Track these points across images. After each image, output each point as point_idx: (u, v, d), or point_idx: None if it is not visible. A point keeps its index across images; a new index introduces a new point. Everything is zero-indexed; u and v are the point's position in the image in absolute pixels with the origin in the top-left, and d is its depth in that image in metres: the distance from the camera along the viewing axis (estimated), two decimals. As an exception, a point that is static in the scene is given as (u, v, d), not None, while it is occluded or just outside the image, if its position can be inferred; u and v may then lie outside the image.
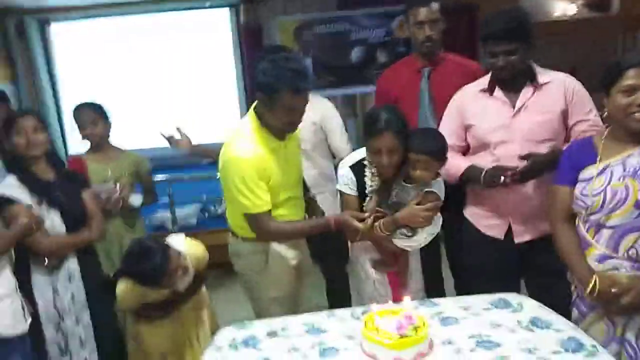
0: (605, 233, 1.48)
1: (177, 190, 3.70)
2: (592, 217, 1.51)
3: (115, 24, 4.48)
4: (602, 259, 1.50)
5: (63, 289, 1.91)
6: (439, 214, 1.82)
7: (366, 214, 1.72)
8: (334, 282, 2.65)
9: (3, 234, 1.74)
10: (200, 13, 4.55)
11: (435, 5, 2.21)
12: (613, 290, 1.45)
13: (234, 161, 1.72)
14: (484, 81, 1.92)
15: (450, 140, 1.88)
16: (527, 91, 1.84)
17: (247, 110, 5.01)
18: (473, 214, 2.02)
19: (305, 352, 1.46)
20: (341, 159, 2.43)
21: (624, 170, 1.45)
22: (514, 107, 1.84)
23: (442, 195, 1.79)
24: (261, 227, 1.78)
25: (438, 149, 1.72)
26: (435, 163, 1.73)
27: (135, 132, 4.35)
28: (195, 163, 4.11)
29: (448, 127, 1.96)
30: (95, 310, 1.98)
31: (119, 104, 4.37)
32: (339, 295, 2.54)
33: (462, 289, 2.30)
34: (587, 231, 1.54)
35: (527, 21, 1.80)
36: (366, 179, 1.81)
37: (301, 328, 1.59)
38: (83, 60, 4.51)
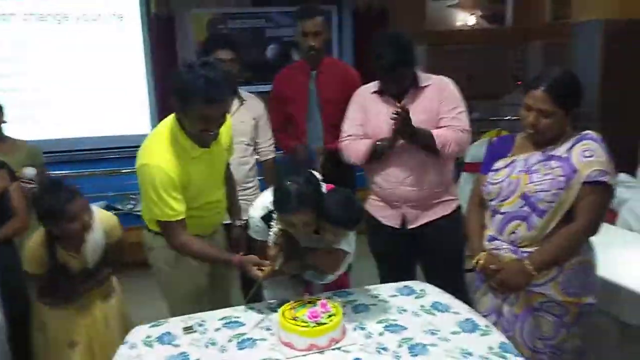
0: (497, 218, 1.69)
1: (81, 186, 3.49)
2: (491, 203, 1.71)
3: (17, 8, 4.13)
4: (491, 239, 1.71)
5: None
6: (350, 260, 1.81)
7: (267, 263, 1.64)
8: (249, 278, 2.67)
9: None
10: (111, 1, 4.34)
11: (319, 19, 2.47)
12: (492, 266, 1.65)
13: (148, 168, 1.68)
14: (377, 85, 2.11)
15: (352, 130, 2.14)
16: (410, 94, 2.05)
17: (156, 101, 4.86)
18: (372, 206, 2.19)
19: (223, 345, 1.49)
20: (264, 161, 2.56)
21: (524, 166, 1.65)
22: None
23: (352, 249, 1.76)
24: (170, 235, 1.75)
25: (353, 223, 1.64)
26: (346, 231, 1.67)
27: (41, 124, 4.08)
28: (101, 158, 3.93)
29: (351, 119, 2.17)
30: (9, 302, 1.88)
31: (20, 94, 4.08)
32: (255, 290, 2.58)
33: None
34: (488, 215, 1.74)
35: (412, 48, 1.99)
36: (272, 230, 1.70)
37: (218, 322, 1.62)
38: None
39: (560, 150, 1.59)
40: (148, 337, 1.54)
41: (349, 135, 2.16)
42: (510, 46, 5.23)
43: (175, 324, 1.61)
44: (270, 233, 1.70)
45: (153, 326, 1.60)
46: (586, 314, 1.65)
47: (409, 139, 1.98)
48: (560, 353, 1.65)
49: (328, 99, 2.50)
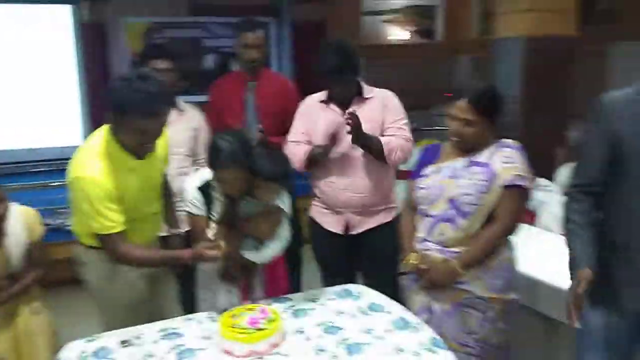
0: (426, 221, 1.80)
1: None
2: (421, 207, 1.82)
3: None
4: (421, 241, 1.82)
5: None
6: (287, 227, 1.91)
7: (216, 241, 1.70)
8: (187, 288, 2.63)
9: None
10: (41, 7, 4.16)
11: (260, 32, 2.57)
12: (422, 266, 1.76)
13: (82, 181, 1.64)
14: (324, 94, 2.20)
15: (295, 137, 2.22)
16: (355, 103, 2.15)
17: (88, 112, 4.68)
18: (315, 212, 2.28)
19: (162, 357, 1.49)
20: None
21: (450, 172, 1.77)
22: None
23: (286, 208, 1.88)
24: (110, 248, 1.72)
25: (276, 173, 1.78)
26: (276, 186, 1.80)
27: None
28: (28, 171, 3.74)
29: (295, 126, 2.25)
30: None
31: None
32: (193, 302, 2.56)
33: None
34: (418, 218, 1.85)
35: (356, 56, 2.10)
36: (215, 203, 1.81)
37: (156, 335, 1.61)
38: None
39: (483, 157, 1.72)
40: (83, 352, 1.51)
41: (291, 142, 2.22)
42: (440, 60, 5.51)
43: (111, 338, 1.58)
44: (215, 203, 1.79)
45: (88, 341, 1.57)
46: (510, 309, 1.78)
47: (360, 143, 2.06)
48: (487, 347, 1.77)
49: (265, 111, 2.57)
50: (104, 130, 1.73)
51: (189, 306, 2.57)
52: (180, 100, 2.51)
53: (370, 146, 2.09)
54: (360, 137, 2.04)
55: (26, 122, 4.25)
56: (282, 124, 2.40)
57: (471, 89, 1.71)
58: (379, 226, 2.22)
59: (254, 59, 2.54)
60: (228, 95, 2.62)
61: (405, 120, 2.20)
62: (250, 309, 1.60)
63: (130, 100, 1.57)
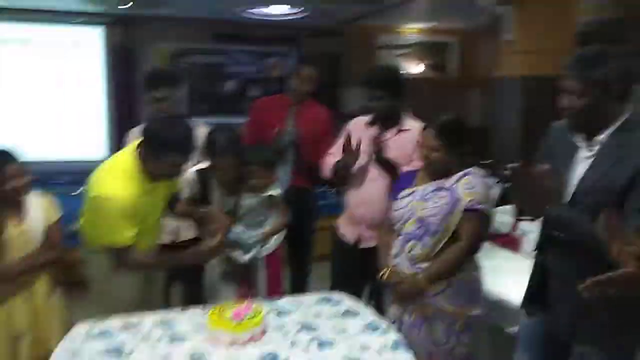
0: (399, 239, 2.03)
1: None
2: (396, 226, 2.06)
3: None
4: (395, 256, 2.05)
5: None
6: (283, 214, 2.27)
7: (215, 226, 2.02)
8: (191, 288, 2.86)
9: None
10: (72, 29, 4.62)
11: (316, 69, 2.92)
12: (392, 280, 1.99)
13: (102, 199, 1.88)
14: (370, 117, 2.50)
15: (334, 150, 2.54)
16: (392, 132, 2.43)
17: (112, 130, 5.06)
18: (340, 220, 2.61)
19: (157, 339, 1.74)
20: None
21: (421, 195, 2.01)
22: None
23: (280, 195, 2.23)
24: (120, 258, 1.97)
25: (265, 159, 2.12)
26: (266, 171, 2.13)
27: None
28: (55, 181, 4.08)
29: (339, 142, 2.53)
30: None
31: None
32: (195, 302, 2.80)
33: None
34: (394, 236, 2.08)
35: (394, 75, 2.45)
36: (213, 192, 2.18)
37: (152, 322, 1.86)
38: None
39: (449, 183, 1.96)
40: (88, 332, 1.77)
41: (329, 153, 2.56)
42: (452, 94, 5.78)
43: (113, 322, 1.85)
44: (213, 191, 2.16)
45: (94, 323, 1.83)
46: (474, 324, 1.98)
47: (381, 163, 2.37)
48: (453, 358, 1.97)
49: (304, 133, 2.86)
50: (127, 152, 1.98)
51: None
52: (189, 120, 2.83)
53: (389, 171, 2.36)
54: (382, 159, 2.34)
55: (56, 136, 4.68)
56: (316, 145, 2.76)
57: (437, 119, 1.97)
58: None
59: (305, 91, 2.89)
60: (271, 113, 2.94)
61: None
62: (236, 305, 1.84)
63: (168, 141, 1.86)
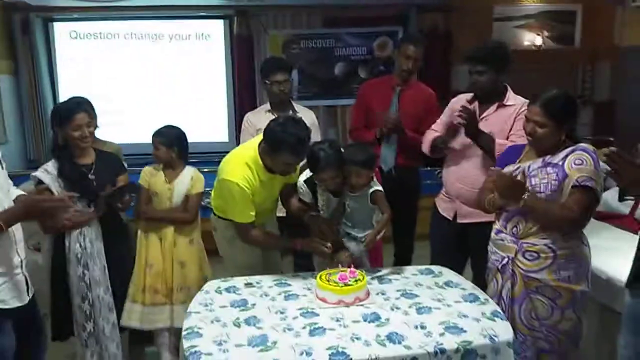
0: (503, 215, 2.09)
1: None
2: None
3: (115, 27, 5.05)
4: (497, 232, 2.11)
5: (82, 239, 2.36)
6: (387, 206, 2.32)
7: (328, 244, 2.23)
8: (301, 259, 3.16)
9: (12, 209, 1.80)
10: (198, 22, 5.15)
11: (420, 47, 2.97)
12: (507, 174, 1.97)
13: (229, 183, 2.21)
14: (471, 96, 2.56)
15: (436, 126, 2.67)
16: (492, 107, 2.49)
17: (235, 113, 5.54)
18: (438, 198, 2.73)
19: (273, 297, 2.03)
20: None
21: (526, 171, 2.04)
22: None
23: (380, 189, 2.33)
24: (241, 233, 2.33)
25: (363, 160, 2.22)
26: (364, 170, 2.23)
27: (127, 129, 4.89)
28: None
29: (441, 119, 2.68)
30: (111, 253, 2.44)
31: (114, 102, 4.93)
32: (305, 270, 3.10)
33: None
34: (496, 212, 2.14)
35: (498, 51, 2.47)
36: (319, 196, 2.38)
37: (271, 282, 2.16)
38: (81, 59, 5.05)
39: (557, 159, 1.97)
40: (218, 287, 2.12)
41: (431, 129, 2.69)
42: (577, 67, 5.43)
43: (238, 281, 2.17)
44: (318, 196, 2.38)
45: (222, 281, 2.18)
46: (579, 300, 1.99)
47: (471, 136, 2.42)
48: (556, 333, 2.00)
49: (407, 113, 2.94)
50: (253, 148, 2.27)
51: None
52: (296, 104, 3.09)
53: (481, 142, 2.41)
54: (472, 131, 2.39)
55: (183, 121, 5.25)
56: (420, 125, 2.88)
57: (544, 94, 1.97)
58: (487, 222, 2.39)
59: (408, 69, 2.99)
60: (377, 95, 3.11)
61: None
62: (342, 271, 2.06)
63: (284, 141, 2.11)
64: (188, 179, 2.61)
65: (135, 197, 2.57)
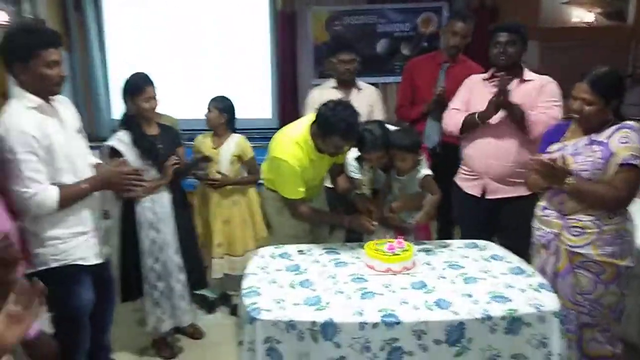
0: (549, 192, 2.14)
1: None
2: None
3: (164, 3, 5.21)
4: (543, 209, 2.17)
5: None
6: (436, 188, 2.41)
7: (374, 222, 2.35)
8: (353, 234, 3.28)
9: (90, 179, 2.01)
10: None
11: (469, 23, 3.05)
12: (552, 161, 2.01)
13: (280, 161, 2.33)
14: (488, 73, 2.67)
15: (455, 105, 2.74)
16: (513, 83, 2.55)
17: (278, 90, 5.62)
18: (459, 178, 2.77)
19: (324, 263, 2.16)
20: None
21: (572, 149, 2.09)
22: None
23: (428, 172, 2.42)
24: (291, 208, 2.46)
25: (407, 144, 2.30)
26: (409, 155, 2.32)
27: (172, 105, 5.04)
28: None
29: (458, 97, 2.76)
30: (176, 218, 2.63)
31: (160, 76, 5.08)
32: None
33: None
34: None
35: (524, 27, 2.55)
36: (367, 172, 2.49)
37: (322, 250, 2.30)
38: (130, 34, 5.24)
39: (602, 137, 2.00)
40: (272, 253, 2.26)
41: (452, 109, 2.74)
42: (629, 45, 5.28)
43: (290, 248, 2.31)
44: (359, 175, 2.49)
45: (276, 247, 2.32)
46: (624, 275, 2.04)
47: (504, 107, 2.47)
48: (599, 308, 2.07)
49: (454, 90, 2.93)
50: (305, 124, 2.38)
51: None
52: (359, 81, 3.17)
53: (512, 113, 2.47)
54: (504, 102, 2.44)
55: (227, 95, 5.41)
56: None
57: (592, 72, 2.00)
58: (517, 198, 2.57)
59: (456, 46, 3.06)
60: (423, 72, 3.19)
61: (558, 104, 2.51)
62: (390, 241, 2.17)
63: (334, 126, 2.20)
64: (233, 145, 2.97)
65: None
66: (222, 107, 2.96)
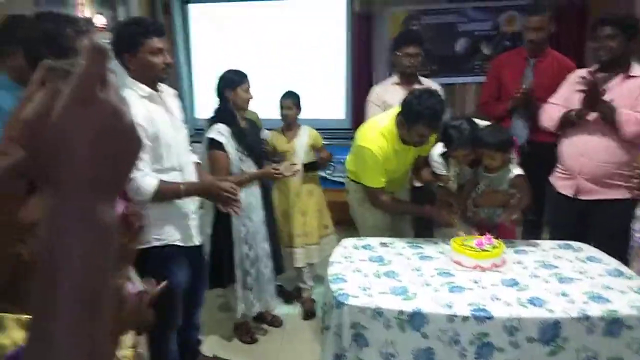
0: None
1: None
2: None
3: (245, 8, 5.41)
4: None
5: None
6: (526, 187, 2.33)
7: (453, 208, 2.34)
8: (423, 230, 3.24)
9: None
10: (320, 1, 5.35)
11: (543, 16, 2.93)
12: None
13: (365, 150, 2.37)
14: (594, 67, 2.54)
15: (555, 100, 2.64)
16: (617, 78, 2.42)
17: (352, 91, 5.66)
18: (553, 176, 2.67)
19: (408, 256, 2.15)
20: None
21: None
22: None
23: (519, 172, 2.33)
24: (372, 197, 2.49)
25: (496, 142, 2.23)
26: (498, 153, 2.25)
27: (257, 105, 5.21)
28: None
29: (560, 93, 2.65)
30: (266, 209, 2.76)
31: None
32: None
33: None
34: None
35: (630, 19, 2.41)
36: (452, 166, 2.46)
37: (405, 244, 2.29)
38: (214, 38, 5.49)
39: None
40: (355, 245, 2.28)
41: (551, 103, 2.65)
42: None
43: (373, 240, 2.32)
44: (444, 171, 2.45)
45: (358, 239, 2.34)
46: None
47: (593, 106, 2.37)
48: None
49: (542, 85, 2.87)
50: (391, 119, 2.40)
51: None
52: (424, 79, 3.14)
53: (601, 112, 2.34)
54: (594, 102, 2.33)
55: (304, 96, 5.52)
56: None
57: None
58: (613, 201, 2.43)
59: (532, 40, 2.97)
60: (508, 68, 3.12)
61: None
62: (478, 237, 2.12)
63: (420, 114, 2.21)
64: (305, 136, 3.07)
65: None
66: (297, 101, 3.09)
